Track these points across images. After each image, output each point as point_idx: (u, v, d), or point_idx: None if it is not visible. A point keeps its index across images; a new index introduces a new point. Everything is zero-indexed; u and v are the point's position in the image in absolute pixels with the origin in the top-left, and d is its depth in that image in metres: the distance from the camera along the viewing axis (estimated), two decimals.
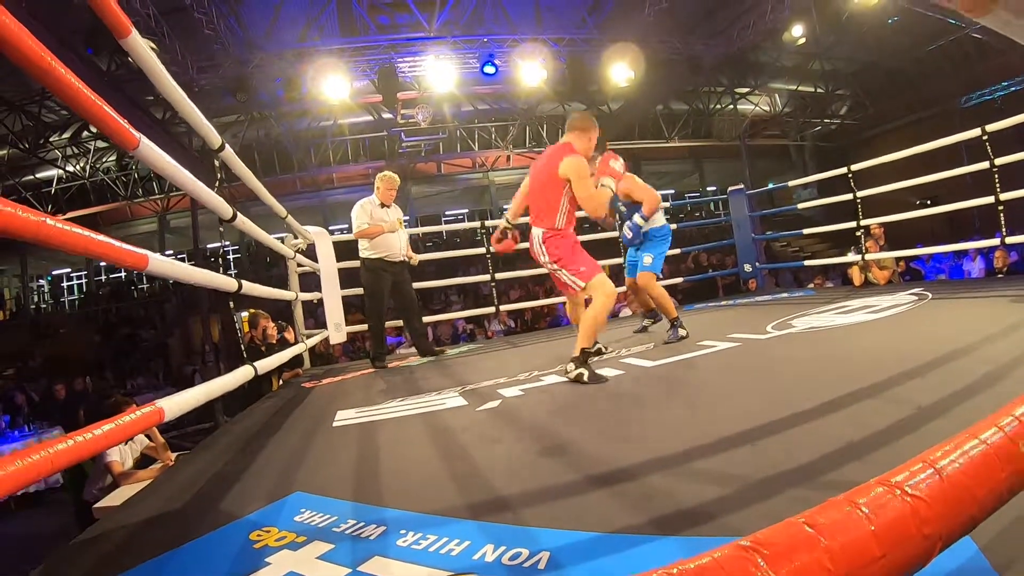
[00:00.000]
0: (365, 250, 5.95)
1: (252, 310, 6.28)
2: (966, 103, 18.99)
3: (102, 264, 23.00)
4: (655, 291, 5.19)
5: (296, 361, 6.57)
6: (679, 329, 4.93)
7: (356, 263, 6.24)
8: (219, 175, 3.80)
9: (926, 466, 0.89)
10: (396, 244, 5.97)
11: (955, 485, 0.88)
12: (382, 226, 5.86)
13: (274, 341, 6.33)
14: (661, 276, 5.53)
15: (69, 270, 23.61)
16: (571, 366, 3.75)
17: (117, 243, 1.94)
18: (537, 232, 4.05)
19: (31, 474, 1.30)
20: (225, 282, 3.36)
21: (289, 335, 6.71)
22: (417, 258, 6.31)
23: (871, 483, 0.88)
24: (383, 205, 5.98)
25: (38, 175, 19.99)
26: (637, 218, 5.27)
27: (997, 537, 1.25)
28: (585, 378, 3.64)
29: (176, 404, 2.24)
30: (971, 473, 0.90)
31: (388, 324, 6.43)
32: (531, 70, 14.06)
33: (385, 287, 5.97)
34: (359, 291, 7.17)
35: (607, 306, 3.86)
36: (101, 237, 1.86)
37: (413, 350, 6.93)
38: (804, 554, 0.76)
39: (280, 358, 4.66)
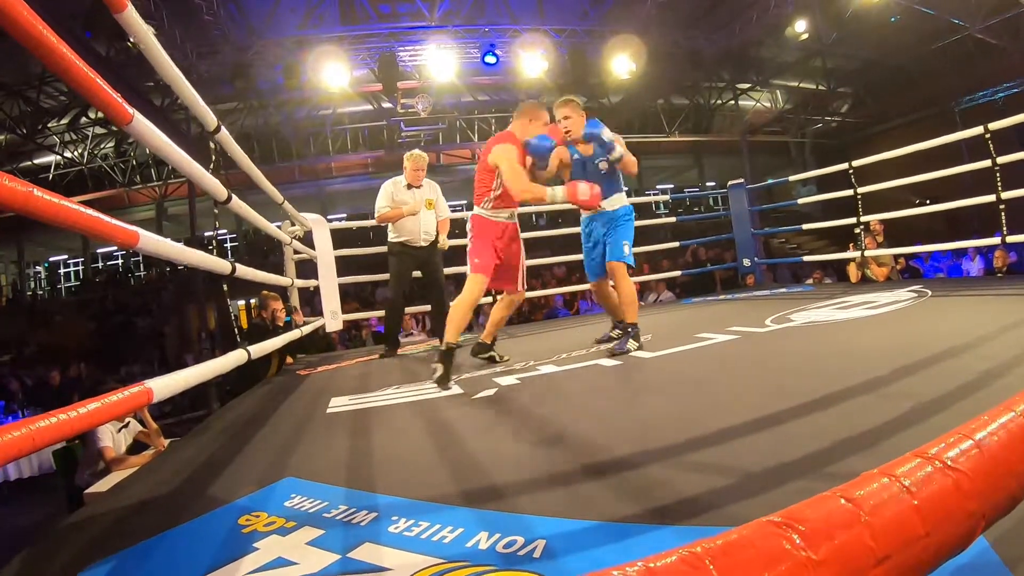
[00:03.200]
0: (390, 233, 5.85)
1: (264, 292, 6.22)
2: (968, 103, 18.96)
3: (99, 251, 22.98)
4: (626, 286, 4.44)
5: (302, 344, 6.52)
6: (631, 340, 4.25)
7: (353, 251, 6.19)
8: (214, 157, 3.75)
9: (964, 438, 0.83)
10: (417, 227, 5.79)
11: (996, 459, 0.81)
12: (401, 209, 5.69)
13: (281, 323, 6.27)
14: (633, 268, 4.58)
15: (66, 256, 23.53)
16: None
17: (107, 218, 1.90)
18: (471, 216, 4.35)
19: (11, 450, 1.26)
20: (218, 264, 3.32)
21: (298, 317, 6.64)
22: (447, 243, 6.12)
23: (908, 455, 0.82)
24: (410, 186, 5.79)
25: (36, 161, 19.96)
26: (609, 141, 4.23)
27: (1009, 532, 1.21)
28: (437, 374, 3.74)
29: (166, 385, 2.19)
30: (1012, 447, 0.84)
31: (380, 313, 6.30)
32: (532, 61, 14.05)
33: (406, 271, 5.86)
34: (355, 279, 7.13)
35: (466, 303, 4.06)
36: (91, 211, 1.81)
37: (412, 339, 6.89)
38: (844, 531, 0.70)
39: (275, 343, 4.62)
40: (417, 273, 5.96)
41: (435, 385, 3.73)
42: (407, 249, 5.79)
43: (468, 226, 4.32)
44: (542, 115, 4.16)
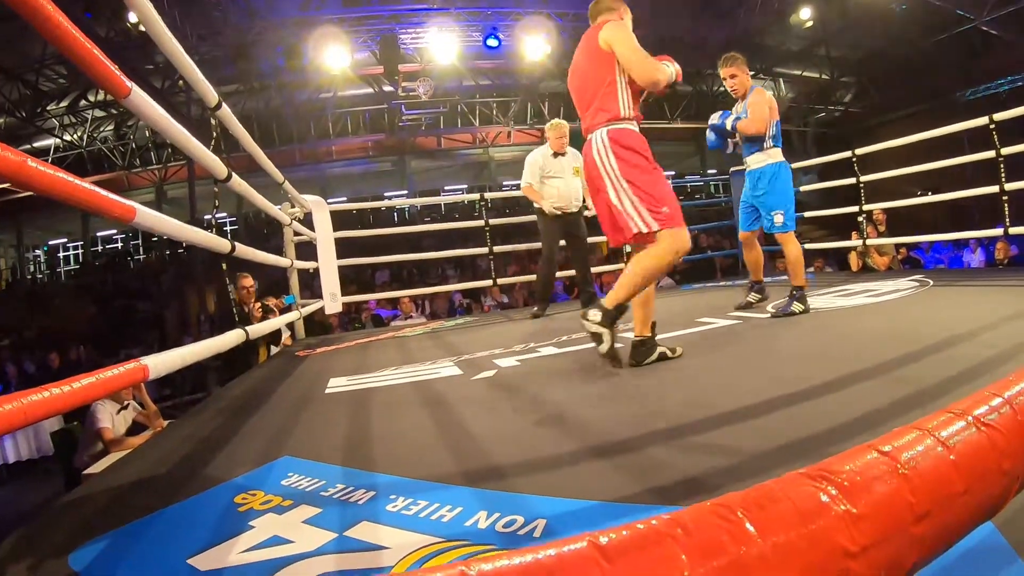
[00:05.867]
0: (539, 203, 6.05)
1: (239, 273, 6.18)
2: (971, 95, 18.86)
3: (98, 234, 22.91)
4: (790, 251, 4.50)
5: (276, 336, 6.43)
6: (796, 303, 4.24)
7: (353, 233, 6.17)
8: (215, 134, 3.71)
9: (994, 395, 0.80)
10: (568, 195, 6.02)
11: None
12: (540, 195, 5.96)
13: (252, 301, 6.23)
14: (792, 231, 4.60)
15: (65, 240, 23.43)
16: (595, 314, 2.95)
17: (104, 192, 1.87)
18: (599, 133, 3.09)
19: (2, 424, 1.24)
20: (217, 242, 3.29)
21: (275, 315, 6.50)
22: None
23: (938, 412, 0.80)
24: (556, 154, 5.97)
25: (35, 144, 19.85)
26: (729, 119, 4.73)
27: (1015, 515, 1.18)
28: (603, 347, 2.96)
29: (162, 362, 2.17)
30: None
31: (379, 296, 6.34)
32: (534, 44, 14.01)
33: (557, 235, 6.11)
34: (354, 262, 7.11)
35: (669, 262, 3.06)
36: (87, 184, 1.78)
37: (407, 322, 6.90)
38: (883, 484, 0.67)
39: (270, 325, 4.60)
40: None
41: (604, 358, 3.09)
42: (558, 215, 5.97)
43: (603, 153, 3.06)
44: (625, 7, 3.23)
